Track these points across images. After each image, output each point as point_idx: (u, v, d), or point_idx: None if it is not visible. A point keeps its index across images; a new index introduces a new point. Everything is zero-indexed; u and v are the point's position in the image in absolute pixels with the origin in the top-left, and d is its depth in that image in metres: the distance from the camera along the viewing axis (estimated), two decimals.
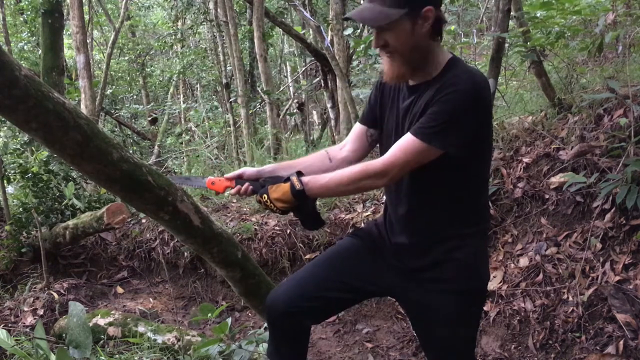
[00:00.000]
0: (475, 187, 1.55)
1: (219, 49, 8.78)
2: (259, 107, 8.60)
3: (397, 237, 1.65)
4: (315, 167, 1.72)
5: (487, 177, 1.57)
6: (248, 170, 1.69)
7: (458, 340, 1.64)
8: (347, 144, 1.77)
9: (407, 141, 1.41)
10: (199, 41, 12.04)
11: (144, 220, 4.11)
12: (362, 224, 3.71)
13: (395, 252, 1.65)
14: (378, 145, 1.72)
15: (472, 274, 1.59)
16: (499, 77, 3.53)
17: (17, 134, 6.92)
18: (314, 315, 1.77)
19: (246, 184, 1.63)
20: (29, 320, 3.26)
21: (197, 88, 12.61)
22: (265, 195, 1.54)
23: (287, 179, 1.54)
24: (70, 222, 3.67)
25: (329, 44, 5.49)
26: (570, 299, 2.65)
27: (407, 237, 1.61)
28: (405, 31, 1.40)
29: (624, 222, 2.70)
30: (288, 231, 3.87)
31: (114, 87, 11.36)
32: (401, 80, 1.52)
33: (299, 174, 1.56)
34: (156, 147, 10.22)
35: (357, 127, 1.76)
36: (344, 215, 3.90)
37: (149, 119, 11.58)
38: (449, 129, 1.37)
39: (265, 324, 2.38)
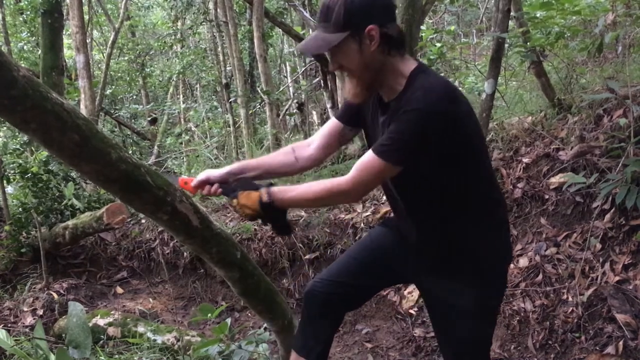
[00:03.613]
0: (472, 187, 1.54)
1: (219, 49, 8.79)
2: (259, 107, 8.60)
3: (406, 234, 1.68)
4: (280, 166, 1.74)
5: (487, 174, 1.58)
6: (213, 173, 1.70)
7: (473, 336, 1.64)
8: (316, 140, 1.75)
9: (368, 159, 1.45)
10: (198, 41, 12.04)
11: (143, 221, 4.11)
12: (362, 224, 3.71)
13: (410, 247, 1.68)
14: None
15: (487, 268, 1.59)
16: (499, 77, 3.52)
17: (17, 134, 6.90)
18: (349, 302, 1.86)
19: (215, 186, 1.67)
20: (29, 320, 3.26)
21: (196, 88, 12.61)
22: (235, 200, 1.59)
23: (258, 188, 1.58)
24: (70, 222, 3.67)
25: None
26: (570, 299, 2.65)
27: (415, 237, 1.64)
28: (353, 52, 1.42)
29: (624, 222, 2.70)
30: None
31: (113, 87, 11.34)
32: (360, 100, 1.53)
33: (270, 185, 1.60)
34: (156, 147, 10.21)
35: (332, 124, 1.73)
36: (343, 216, 3.89)
37: (149, 119, 11.57)
38: (403, 148, 1.40)
39: (265, 325, 2.37)
